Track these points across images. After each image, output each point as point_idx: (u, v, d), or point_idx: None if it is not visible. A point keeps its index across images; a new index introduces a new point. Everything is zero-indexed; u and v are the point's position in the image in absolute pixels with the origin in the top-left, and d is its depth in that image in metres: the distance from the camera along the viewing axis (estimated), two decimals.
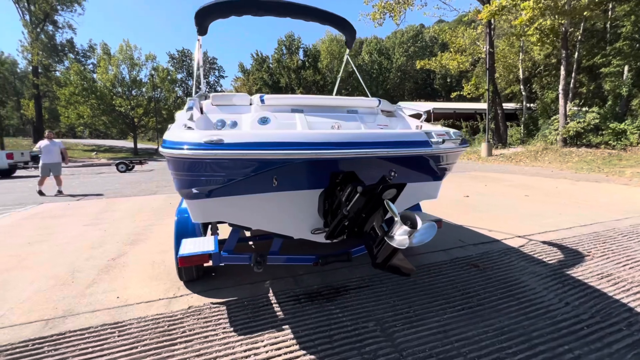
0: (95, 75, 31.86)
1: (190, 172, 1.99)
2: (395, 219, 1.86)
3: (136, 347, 2.13)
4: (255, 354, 2.08)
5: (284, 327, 2.35)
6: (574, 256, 3.56)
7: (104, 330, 2.31)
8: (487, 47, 18.98)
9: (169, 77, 35.09)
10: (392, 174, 2.32)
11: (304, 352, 2.10)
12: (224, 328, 2.34)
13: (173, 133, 2.05)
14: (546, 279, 3.05)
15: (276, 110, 2.92)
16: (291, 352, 2.10)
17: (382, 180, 2.04)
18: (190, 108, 2.52)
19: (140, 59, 33.11)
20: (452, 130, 2.52)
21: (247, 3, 3.43)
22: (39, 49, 33.77)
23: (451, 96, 23.88)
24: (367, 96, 4.19)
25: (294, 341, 2.20)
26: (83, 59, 39.41)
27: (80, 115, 29.95)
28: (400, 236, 1.84)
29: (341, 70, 5.20)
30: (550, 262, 3.42)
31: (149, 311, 2.55)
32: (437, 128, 2.72)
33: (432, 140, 2.26)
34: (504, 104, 22.89)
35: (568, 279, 3.05)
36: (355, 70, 4.56)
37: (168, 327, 2.35)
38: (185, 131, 2.01)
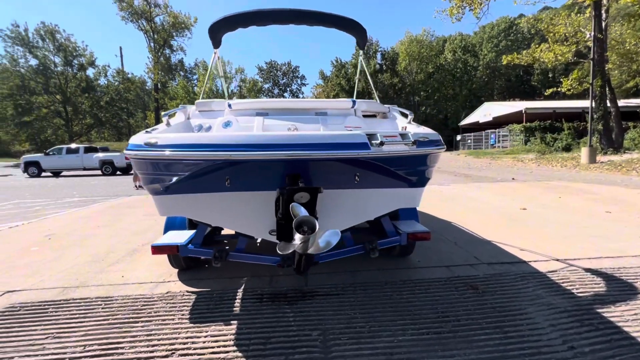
0: (195, 89, 37.01)
1: (141, 170, 2.24)
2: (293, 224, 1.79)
3: (107, 320, 2.48)
4: (193, 342, 2.22)
5: (232, 322, 2.44)
6: (620, 291, 2.79)
7: (94, 302, 2.74)
8: (594, 32, 15.86)
9: (255, 88, 38.66)
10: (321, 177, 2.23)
11: (234, 348, 2.15)
12: (182, 315, 2.55)
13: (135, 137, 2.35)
14: (561, 314, 2.48)
15: (242, 114, 3.04)
16: (224, 346, 2.18)
17: (293, 184, 1.98)
18: (166, 115, 2.82)
19: (231, 72, 37.28)
20: (413, 132, 2.28)
21: (251, 15, 3.66)
22: (158, 69, 40.85)
23: (546, 93, 20.62)
24: (375, 100, 4.02)
25: (232, 337, 2.27)
26: (190, 75, 46.28)
27: None
28: (298, 242, 1.76)
29: (357, 72, 5.06)
30: (580, 294, 2.75)
31: (136, 291, 2.92)
32: (410, 129, 2.49)
33: (374, 142, 2.09)
34: (622, 101, 18.78)
35: (593, 318, 2.42)
36: (367, 72, 4.39)
37: (141, 306, 2.67)
38: (141, 134, 2.29)
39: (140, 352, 2.11)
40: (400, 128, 3.03)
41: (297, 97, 65.36)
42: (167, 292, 2.89)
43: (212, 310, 2.60)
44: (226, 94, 5.55)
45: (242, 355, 2.09)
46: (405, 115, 3.12)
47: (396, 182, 2.55)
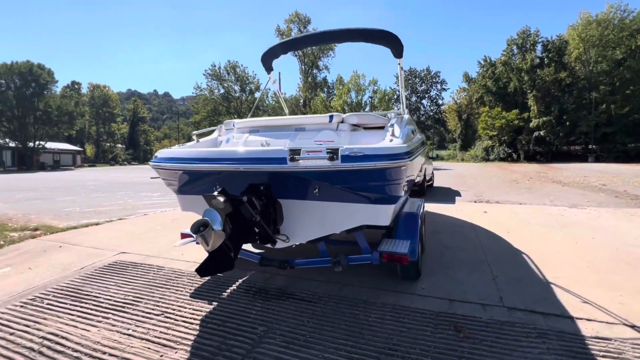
0: (331, 102, 40.57)
1: (159, 176, 3.13)
2: None
3: (149, 281, 3.55)
4: (179, 311, 2.95)
5: (214, 302, 3.07)
6: None
7: (151, 268, 3.91)
8: None
9: (385, 97, 39.16)
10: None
11: (199, 322, 2.76)
12: (188, 290, 3.35)
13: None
14: None
15: (240, 132, 3.58)
16: (195, 318, 2.81)
17: (222, 191, 2.40)
18: (196, 134, 3.70)
19: (364, 84, 39.02)
20: (345, 147, 2.35)
21: (293, 42, 4.26)
22: (307, 87, 46.95)
23: None
24: (403, 107, 3.96)
25: (205, 313, 2.89)
26: (332, 90, 51.10)
27: None
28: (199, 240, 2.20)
29: (401, 81, 4.86)
30: None
31: (178, 266, 3.95)
32: (355, 145, 2.53)
33: (295, 157, 2.31)
34: None
35: None
36: (401, 81, 4.26)
37: (172, 277, 3.65)
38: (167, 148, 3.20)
39: (146, 309, 2.99)
40: (388, 141, 2.99)
41: (436, 103, 61.99)
42: (192, 271, 3.79)
43: (208, 291, 3.31)
44: (286, 110, 6.34)
45: (199, 328, 2.67)
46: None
47: (355, 197, 2.61)
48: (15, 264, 4.16)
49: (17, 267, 4.05)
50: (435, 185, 13.04)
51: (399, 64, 4.39)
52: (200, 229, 2.18)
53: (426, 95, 65.02)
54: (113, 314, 2.90)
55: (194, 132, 3.75)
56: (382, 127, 3.52)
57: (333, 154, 2.29)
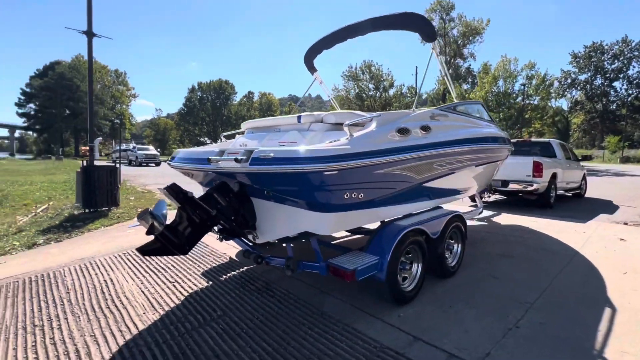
0: (470, 94, 35.99)
1: None
2: None
3: (189, 257, 4.37)
4: (183, 281, 3.58)
5: (210, 282, 3.55)
6: None
7: (199, 245, 4.75)
8: None
9: (545, 83, 31.77)
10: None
11: (187, 293, 3.29)
12: (201, 266, 3.95)
13: None
14: None
15: (247, 133, 3.76)
16: (186, 290, 3.37)
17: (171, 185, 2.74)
18: (224, 134, 4.19)
19: (516, 70, 32.77)
20: (258, 149, 2.34)
21: (333, 37, 4.27)
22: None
23: None
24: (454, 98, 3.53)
25: (194, 288, 3.40)
26: (476, 80, 45.30)
27: None
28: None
29: (443, 68, 4.01)
30: None
31: (215, 248, 4.65)
32: (271, 148, 2.47)
33: (213, 158, 2.46)
34: None
35: None
36: (443, 68, 3.59)
37: (200, 255, 4.36)
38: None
39: (165, 278, 3.73)
40: (332, 142, 2.69)
41: (632, 83, 46.08)
42: (217, 253, 4.40)
43: (214, 271, 3.82)
44: (338, 109, 6.16)
45: (183, 298, 3.19)
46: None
47: (292, 201, 2.56)
48: None
49: None
50: (588, 195, 10.08)
51: (432, 49, 3.73)
52: (142, 215, 2.60)
53: (620, 76, 49.09)
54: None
55: (223, 133, 4.30)
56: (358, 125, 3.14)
57: (245, 156, 2.30)
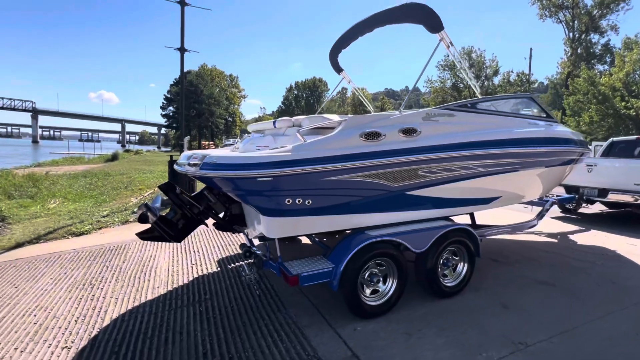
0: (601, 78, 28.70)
1: None
2: None
3: (214, 244, 5.00)
4: (196, 260, 4.17)
5: (213, 266, 4.05)
6: None
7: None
8: None
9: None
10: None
11: (176, 275, 3.85)
12: (218, 254, 4.48)
13: None
14: None
15: (250, 135, 3.96)
16: (200, 270, 3.94)
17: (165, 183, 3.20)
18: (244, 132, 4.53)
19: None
20: (213, 154, 2.59)
21: (346, 37, 4.26)
22: (572, 61, 35.83)
23: None
24: (476, 93, 3.28)
25: (188, 266, 3.94)
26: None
27: (580, 122, 28.96)
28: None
29: (425, 66, 3.43)
30: None
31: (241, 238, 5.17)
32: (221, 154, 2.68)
33: (182, 162, 2.80)
34: None
35: None
36: (460, 60, 3.18)
37: (225, 245, 4.92)
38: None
39: (189, 261, 4.40)
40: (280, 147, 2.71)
41: None
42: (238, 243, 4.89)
43: (228, 260, 4.31)
44: (370, 108, 5.81)
45: (192, 279, 3.77)
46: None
47: (252, 204, 2.76)
48: None
49: None
50: None
51: (440, 40, 3.32)
52: (141, 207, 3.15)
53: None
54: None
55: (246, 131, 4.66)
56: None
57: (200, 161, 2.56)
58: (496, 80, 34.17)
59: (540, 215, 4.75)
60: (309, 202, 2.58)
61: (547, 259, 4.40)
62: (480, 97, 3.62)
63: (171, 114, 44.92)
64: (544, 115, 4.11)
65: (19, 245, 5.28)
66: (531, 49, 32.63)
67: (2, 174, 11.63)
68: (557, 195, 6.29)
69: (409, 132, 2.89)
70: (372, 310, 2.81)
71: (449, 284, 3.22)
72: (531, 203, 5.53)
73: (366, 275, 2.85)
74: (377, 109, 68.98)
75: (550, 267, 4.12)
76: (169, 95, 44.36)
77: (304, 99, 52.48)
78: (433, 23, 3.23)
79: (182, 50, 9.09)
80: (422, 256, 3.06)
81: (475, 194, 3.48)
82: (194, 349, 2.50)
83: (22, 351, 2.55)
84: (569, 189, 6.83)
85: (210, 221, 3.50)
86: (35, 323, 2.95)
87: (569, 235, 5.59)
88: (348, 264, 2.64)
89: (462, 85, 34.53)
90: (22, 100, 77.31)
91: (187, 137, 6.49)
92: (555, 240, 5.31)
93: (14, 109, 76.82)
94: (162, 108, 45.18)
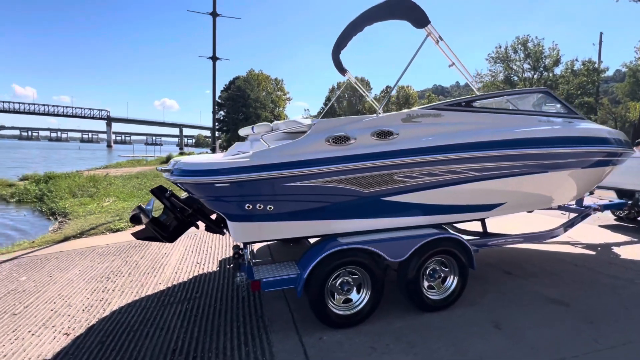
0: None
1: None
2: None
3: (221, 244, 5.22)
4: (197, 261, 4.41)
5: (213, 265, 4.23)
6: None
7: None
8: None
9: None
10: None
11: (179, 272, 4.08)
12: (222, 254, 4.67)
13: None
14: None
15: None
16: (187, 267, 4.16)
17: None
18: None
19: None
20: (183, 161, 2.72)
21: (342, 38, 4.17)
22: None
23: None
24: (475, 90, 3.13)
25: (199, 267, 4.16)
26: None
27: None
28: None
29: (410, 62, 3.12)
30: None
31: None
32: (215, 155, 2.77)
33: (163, 167, 2.97)
34: None
35: None
36: (452, 56, 2.97)
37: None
38: None
39: (195, 259, 4.66)
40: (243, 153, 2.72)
41: None
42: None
43: (229, 260, 4.48)
44: (380, 110, 5.47)
45: (191, 277, 4.01)
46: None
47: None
48: None
49: None
50: None
51: (428, 35, 3.09)
52: (135, 209, 3.38)
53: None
54: None
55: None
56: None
57: (174, 167, 2.70)
58: (557, 70, 30.70)
59: (569, 224, 4.20)
60: (270, 208, 2.59)
61: (572, 274, 3.88)
62: (478, 94, 3.31)
63: (221, 117, 47.68)
64: (565, 112, 3.62)
65: (66, 239, 6.04)
66: (601, 34, 28.83)
67: (70, 175, 13.40)
68: (608, 200, 5.49)
69: (383, 135, 2.75)
70: (340, 320, 2.73)
71: (433, 297, 2.99)
72: (567, 209, 4.93)
73: (337, 284, 2.78)
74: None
75: (572, 283, 3.63)
76: (219, 101, 47.15)
77: (346, 99, 52.31)
78: (417, 17, 3.04)
79: (214, 58, 9.65)
80: (402, 266, 2.89)
81: (471, 200, 3.19)
82: (167, 346, 2.65)
83: (32, 334, 2.93)
84: (622, 193, 5.91)
85: (202, 223, 3.68)
86: (52, 310, 3.36)
87: (613, 248, 4.85)
88: (313, 271, 2.60)
89: (516, 78, 31.65)
90: (99, 110, 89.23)
91: (219, 141, 6.87)
92: (593, 252, 4.66)
93: (92, 118, 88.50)
94: (214, 113, 48.26)
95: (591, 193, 5.19)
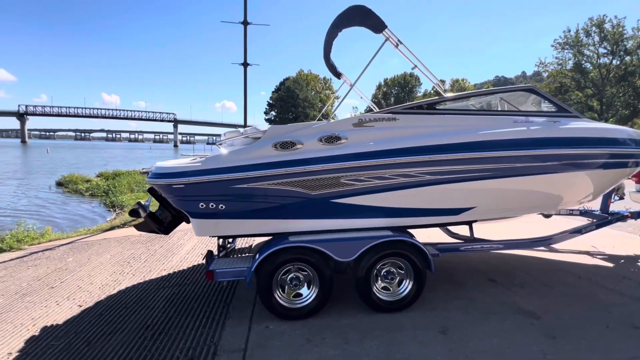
0: None
1: None
2: None
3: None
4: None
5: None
6: None
7: None
8: None
9: None
10: None
11: (183, 262, 4.60)
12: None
13: None
14: None
15: None
16: (193, 258, 4.68)
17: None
18: None
19: None
20: (158, 165, 3.15)
21: (325, 45, 4.33)
22: None
23: None
24: (441, 92, 3.23)
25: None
26: None
27: None
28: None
29: (366, 67, 3.04)
30: None
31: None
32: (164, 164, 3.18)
33: (146, 169, 3.43)
34: None
35: None
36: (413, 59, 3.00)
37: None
38: None
39: (201, 252, 5.20)
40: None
41: None
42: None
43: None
44: (332, 113, 5.38)
45: (190, 267, 4.54)
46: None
47: None
48: None
49: None
50: None
51: (386, 39, 3.10)
52: (135, 205, 3.93)
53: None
54: None
55: None
56: None
57: (151, 169, 3.13)
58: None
59: (574, 232, 3.83)
60: (222, 207, 2.90)
61: (567, 287, 3.56)
62: (445, 95, 3.22)
63: (273, 118, 49.76)
64: (553, 111, 3.32)
65: (112, 228, 7.11)
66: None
67: (131, 173, 15.37)
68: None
69: (331, 140, 2.88)
70: (286, 312, 2.94)
71: (385, 298, 3.04)
72: (591, 214, 4.48)
73: (287, 278, 2.99)
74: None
75: (559, 296, 3.35)
76: (270, 102, 49.30)
77: (393, 95, 50.94)
78: (374, 23, 3.09)
79: (245, 65, 10.33)
80: (353, 266, 3.00)
81: (431, 203, 3.14)
82: (145, 322, 3.13)
83: (57, 304, 3.64)
84: None
85: None
86: (78, 286, 4.11)
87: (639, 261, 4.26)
88: (260, 265, 2.86)
89: (589, 65, 27.78)
90: (167, 113, 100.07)
91: None
92: (611, 265, 4.16)
93: (162, 120, 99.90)
94: (265, 113, 50.58)
95: (621, 198, 4.59)
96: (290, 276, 3.00)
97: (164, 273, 4.36)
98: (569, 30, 28.12)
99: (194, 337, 2.81)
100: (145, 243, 5.72)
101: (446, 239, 4.29)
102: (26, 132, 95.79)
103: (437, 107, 3.13)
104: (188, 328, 2.96)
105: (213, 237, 3.28)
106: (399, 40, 3.15)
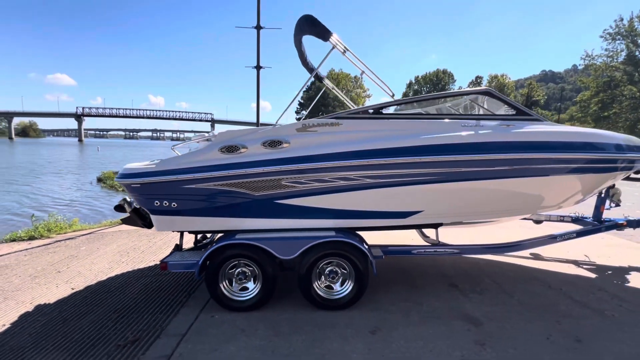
0: None
1: None
2: None
3: None
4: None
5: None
6: None
7: None
8: None
9: None
10: None
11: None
12: None
13: None
14: None
15: None
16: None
17: None
18: None
19: None
20: (127, 166, 3.50)
21: (296, 47, 4.51)
22: None
23: None
24: (389, 95, 3.40)
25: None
26: None
27: None
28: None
29: (313, 73, 3.06)
30: None
31: None
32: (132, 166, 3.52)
33: None
34: None
35: None
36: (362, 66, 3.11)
37: None
38: None
39: None
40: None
41: None
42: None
43: None
44: (352, 106, 5.34)
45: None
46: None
47: None
48: None
49: None
50: None
51: (333, 47, 3.19)
52: (121, 200, 4.35)
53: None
54: None
55: None
56: None
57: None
58: None
59: (543, 239, 3.66)
60: (174, 205, 3.18)
61: (530, 295, 3.43)
62: (393, 99, 3.25)
63: (303, 117, 50.61)
64: (510, 114, 3.21)
65: None
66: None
67: None
68: None
69: (274, 144, 3.05)
70: (230, 303, 3.16)
71: (324, 296, 3.16)
72: (582, 221, 4.25)
73: (235, 272, 3.22)
74: (522, 96, 56.09)
75: (516, 305, 3.25)
76: (301, 101, 50.01)
77: (424, 93, 49.48)
78: (320, 31, 3.20)
79: (258, 68, 10.72)
80: (295, 263, 3.15)
81: (375, 206, 3.19)
82: (116, 305, 3.53)
83: (56, 286, 4.18)
84: None
85: None
86: (78, 272, 4.66)
87: (631, 273, 3.93)
88: (206, 260, 3.12)
89: None
90: (205, 113, 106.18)
91: None
92: (592, 275, 3.90)
93: (201, 120, 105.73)
94: (297, 112, 51.39)
95: (617, 205, 4.24)
96: (237, 270, 3.23)
97: (151, 264, 4.78)
98: (622, 19, 25.45)
99: (148, 321, 3.13)
100: (149, 236, 6.25)
101: (420, 241, 4.27)
102: (82, 131, 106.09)
103: (383, 112, 3.17)
104: (147, 313, 3.30)
105: (174, 232, 3.59)
106: (345, 47, 3.23)
